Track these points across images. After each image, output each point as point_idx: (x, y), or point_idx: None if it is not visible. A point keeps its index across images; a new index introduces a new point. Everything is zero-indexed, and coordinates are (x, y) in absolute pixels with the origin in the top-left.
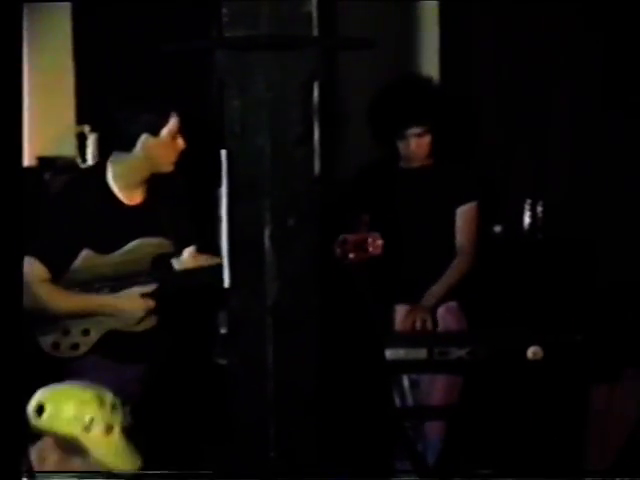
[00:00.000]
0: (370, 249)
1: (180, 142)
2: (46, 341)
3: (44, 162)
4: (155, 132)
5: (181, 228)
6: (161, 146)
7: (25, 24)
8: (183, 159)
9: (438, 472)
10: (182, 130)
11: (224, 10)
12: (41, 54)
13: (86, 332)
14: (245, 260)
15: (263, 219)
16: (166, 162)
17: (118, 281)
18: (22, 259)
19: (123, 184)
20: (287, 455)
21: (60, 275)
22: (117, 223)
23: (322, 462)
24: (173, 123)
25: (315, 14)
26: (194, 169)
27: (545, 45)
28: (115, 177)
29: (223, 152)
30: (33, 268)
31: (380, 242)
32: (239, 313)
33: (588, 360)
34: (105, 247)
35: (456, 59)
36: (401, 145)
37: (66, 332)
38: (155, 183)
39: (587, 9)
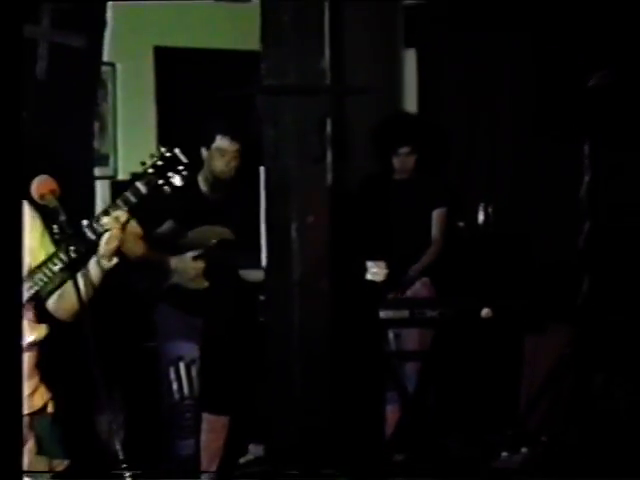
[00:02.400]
0: None
1: (227, 156)
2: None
3: (135, 176)
4: (207, 147)
5: (243, 222)
6: (210, 157)
7: (120, 76)
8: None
9: (416, 397)
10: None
11: (262, 65)
12: (132, 98)
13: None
14: (277, 247)
15: (290, 217)
16: (217, 169)
17: (180, 248)
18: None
19: (203, 182)
20: (309, 392)
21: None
22: (197, 209)
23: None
24: (218, 141)
25: (328, 69)
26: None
27: (494, 91)
28: (200, 177)
29: (261, 168)
30: (134, 227)
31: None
32: (273, 286)
33: (524, 318)
34: (185, 224)
35: (430, 98)
36: (395, 161)
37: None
38: (232, 187)
39: (525, 62)
